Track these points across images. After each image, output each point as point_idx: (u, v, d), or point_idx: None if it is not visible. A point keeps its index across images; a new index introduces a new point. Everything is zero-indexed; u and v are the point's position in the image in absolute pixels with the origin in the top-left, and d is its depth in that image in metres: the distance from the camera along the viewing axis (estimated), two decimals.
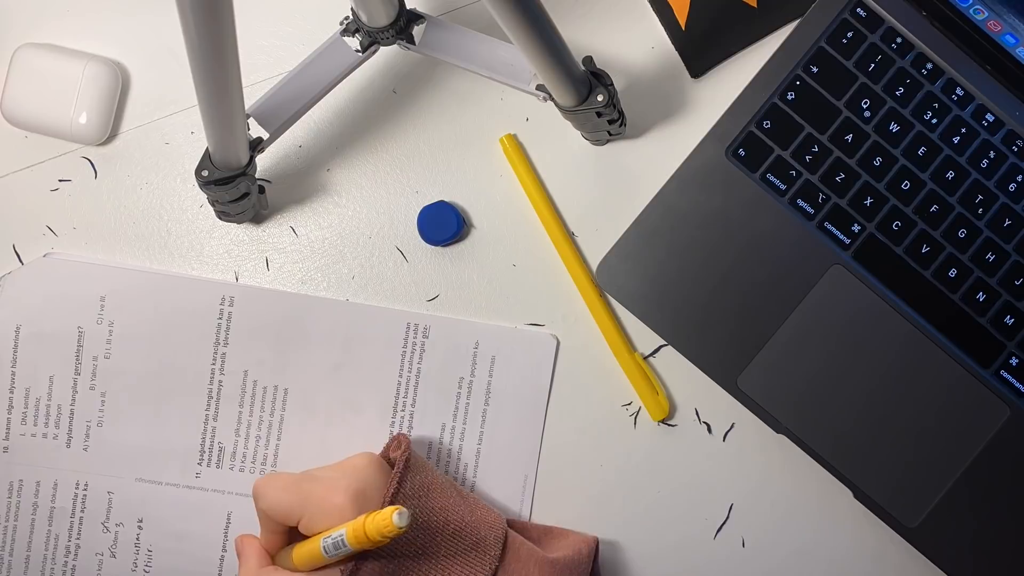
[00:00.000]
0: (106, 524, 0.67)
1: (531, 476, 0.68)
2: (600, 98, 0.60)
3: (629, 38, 0.69)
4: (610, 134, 0.66)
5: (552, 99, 0.61)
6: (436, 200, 0.68)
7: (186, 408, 0.67)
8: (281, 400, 0.67)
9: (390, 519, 0.53)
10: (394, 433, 0.67)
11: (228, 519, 0.67)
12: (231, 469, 0.67)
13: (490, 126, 0.69)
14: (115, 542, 0.67)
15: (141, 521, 0.67)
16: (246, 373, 0.67)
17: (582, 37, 0.69)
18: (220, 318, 0.67)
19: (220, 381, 0.67)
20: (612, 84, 0.61)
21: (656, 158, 0.68)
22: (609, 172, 0.68)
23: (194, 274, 0.67)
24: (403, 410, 0.67)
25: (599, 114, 0.61)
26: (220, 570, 0.67)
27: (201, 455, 0.67)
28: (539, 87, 0.61)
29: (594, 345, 0.68)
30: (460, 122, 0.69)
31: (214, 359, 0.67)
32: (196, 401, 0.67)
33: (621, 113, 0.64)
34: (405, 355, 0.67)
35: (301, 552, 0.58)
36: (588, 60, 0.61)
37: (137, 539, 0.67)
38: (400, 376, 0.67)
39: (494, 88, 0.68)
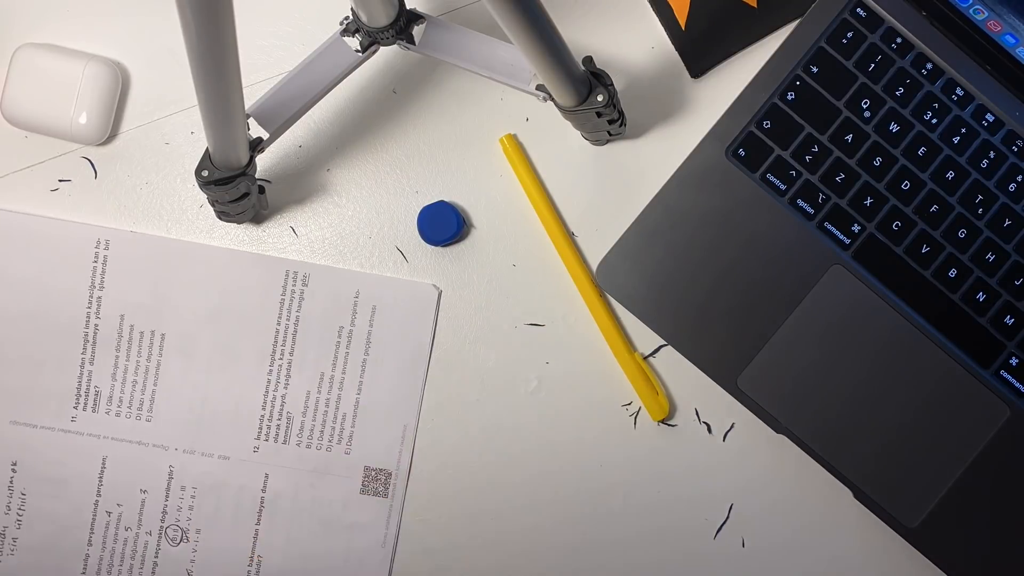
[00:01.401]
0: None
1: (411, 426, 0.67)
2: (600, 98, 0.60)
3: (629, 38, 0.69)
4: (610, 134, 0.66)
5: (552, 99, 0.61)
6: (436, 200, 0.68)
7: (62, 351, 0.67)
8: (159, 345, 0.67)
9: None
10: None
11: (103, 463, 0.67)
12: (107, 414, 0.67)
13: (490, 126, 0.68)
14: None
15: (15, 464, 0.67)
16: (122, 317, 0.67)
17: (582, 37, 0.69)
18: (95, 261, 0.67)
19: (96, 325, 0.67)
20: (612, 84, 0.61)
21: (656, 158, 0.68)
22: (609, 172, 0.68)
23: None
24: (281, 358, 0.67)
25: (599, 114, 0.61)
26: (94, 515, 0.67)
27: (77, 399, 0.67)
28: (539, 87, 0.61)
29: (594, 345, 0.68)
30: (460, 122, 0.69)
31: (89, 302, 0.67)
32: (71, 344, 0.67)
33: (621, 113, 0.64)
34: (284, 303, 0.67)
35: None
36: (588, 60, 0.61)
37: (11, 482, 0.67)
38: (279, 324, 0.67)
39: (494, 88, 0.68)
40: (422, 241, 0.68)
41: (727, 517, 0.68)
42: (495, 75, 0.62)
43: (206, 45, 0.46)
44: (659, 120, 0.69)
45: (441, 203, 0.67)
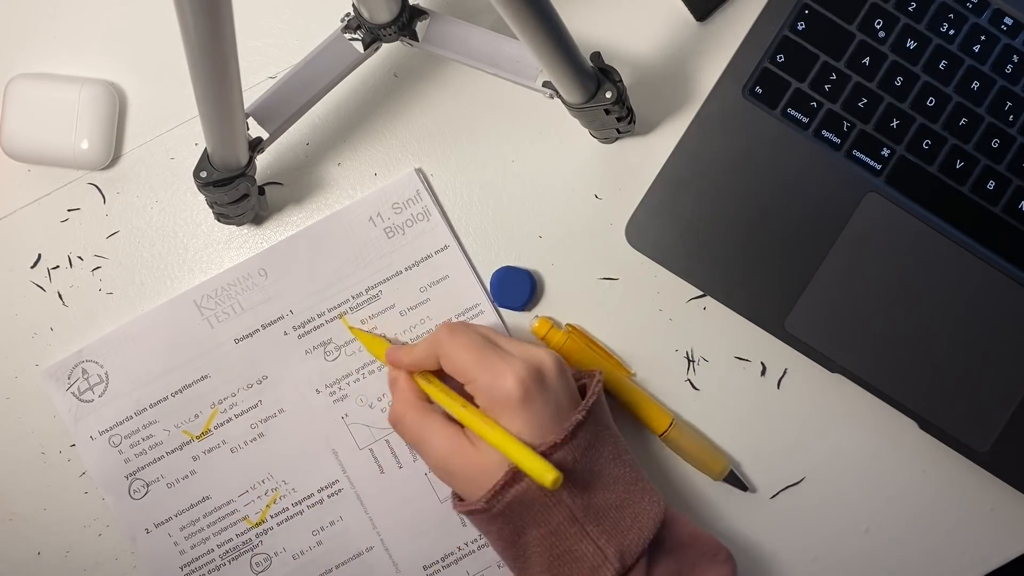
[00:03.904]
0: None
1: None
2: (608, 95, 0.58)
3: (638, 28, 0.67)
4: (619, 132, 0.64)
5: (559, 96, 0.59)
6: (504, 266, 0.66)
7: None
8: None
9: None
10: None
11: None
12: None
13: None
14: None
15: None
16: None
17: (589, 27, 0.67)
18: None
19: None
20: (621, 80, 0.59)
21: (671, 110, 0.66)
22: (617, 169, 0.67)
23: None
24: None
25: (607, 111, 0.60)
26: None
27: None
28: (545, 84, 0.60)
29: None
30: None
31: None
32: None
33: (630, 110, 0.62)
34: None
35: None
36: (596, 56, 0.59)
37: None
38: None
39: None
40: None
41: (793, 463, 0.66)
42: (501, 72, 0.60)
43: (204, 39, 0.45)
44: (669, 110, 0.67)
45: (511, 269, 0.66)
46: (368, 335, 0.65)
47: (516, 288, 0.65)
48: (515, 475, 0.55)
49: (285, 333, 0.66)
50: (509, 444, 0.55)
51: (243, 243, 0.67)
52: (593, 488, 0.57)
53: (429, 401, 0.60)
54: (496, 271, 0.66)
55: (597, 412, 0.59)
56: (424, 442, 0.58)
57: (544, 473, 0.53)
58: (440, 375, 0.60)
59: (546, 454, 0.55)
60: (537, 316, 0.66)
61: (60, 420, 0.65)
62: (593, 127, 0.64)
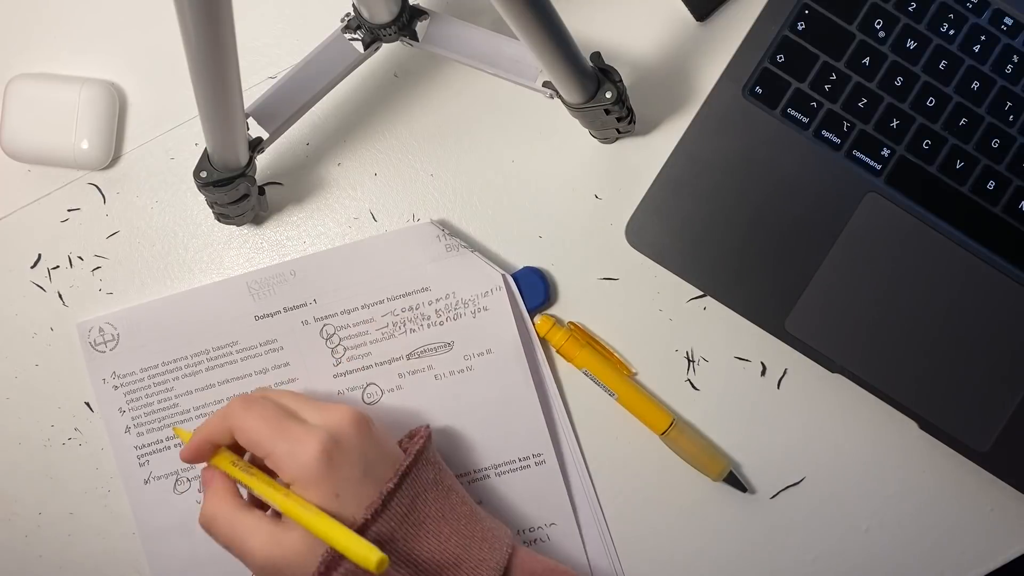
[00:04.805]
0: None
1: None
2: (608, 95, 0.58)
3: (638, 26, 0.67)
4: (619, 132, 0.64)
5: (559, 96, 0.60)
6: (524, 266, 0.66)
7: None
8: None
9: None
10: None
11: None
12: None
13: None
14: None
15: None
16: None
17: (588, 27, 0.67)
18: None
19: None
20: (621, 81, 0.59)
21: (671, 110, 0.66)
22: (618, 169, 0.67)
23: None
24: None
25: (607, 111, 0.60)
26: None
27: None
28: (546, 84, 0.60)
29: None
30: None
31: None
32: None
33: (630, 110, 0.62)
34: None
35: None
36: (596, 56, 0.59)
37: None
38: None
39: None
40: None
41: (793, 463, 0.66)
42: (501, 72, 0.60)
43: (204, 39, 0.45)
44: (669, 110, 0.67)
45: (529, 269, 0.66)
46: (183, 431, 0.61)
47: (531, 290, 0.65)
48: (333, 559, 0.52)
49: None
50: (325, 528, 0.52)
51: (243, 243, 0.67)
52: (421, 554, 0.54)
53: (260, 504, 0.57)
54: (517, 271, 0.65)
55: (417, 471, 0.57)
56: (242, 542, 0.54)
57: (368, 555, 0.50)
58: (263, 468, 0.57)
59: (362, 530, 0.52)
60: (539, 315, 0.66)
61: (60, 420, 0.65)
62: (593, 127, 0.64)
